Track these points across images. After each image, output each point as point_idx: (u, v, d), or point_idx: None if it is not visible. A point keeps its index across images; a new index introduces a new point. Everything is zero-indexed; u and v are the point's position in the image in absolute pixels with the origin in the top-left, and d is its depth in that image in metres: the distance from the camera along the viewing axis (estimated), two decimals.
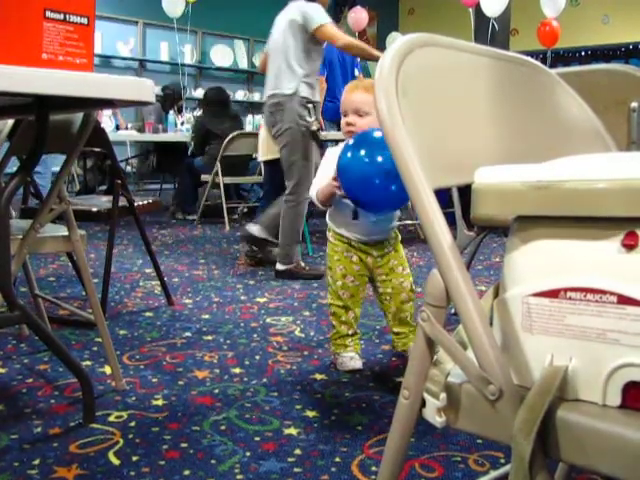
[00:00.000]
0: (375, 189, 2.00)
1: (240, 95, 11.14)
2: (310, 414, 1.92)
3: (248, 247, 4.29)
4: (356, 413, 1.93)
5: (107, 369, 2.22)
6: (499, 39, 8.21)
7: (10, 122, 2.28)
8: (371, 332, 2.68)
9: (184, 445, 1.71)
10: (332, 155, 2.22)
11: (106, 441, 1.73)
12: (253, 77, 12.01)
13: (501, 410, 0.70)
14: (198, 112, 7.94)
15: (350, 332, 2.31)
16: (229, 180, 6.16)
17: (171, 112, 7.46)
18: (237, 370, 2.28)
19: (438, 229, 0.73)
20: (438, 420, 0.76)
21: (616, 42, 11.67)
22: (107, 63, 10.03)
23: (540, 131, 1.04)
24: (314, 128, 3.78)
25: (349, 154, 2.07)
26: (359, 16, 10.36)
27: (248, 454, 1.67)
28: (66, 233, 2.05)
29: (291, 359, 2.41)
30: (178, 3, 8.87)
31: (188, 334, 2.70)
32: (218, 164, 5.99)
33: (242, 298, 3.35)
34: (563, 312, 0.69)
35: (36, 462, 1.61)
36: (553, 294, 0.70)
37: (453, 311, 0.74)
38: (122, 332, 2.72)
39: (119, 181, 2.98)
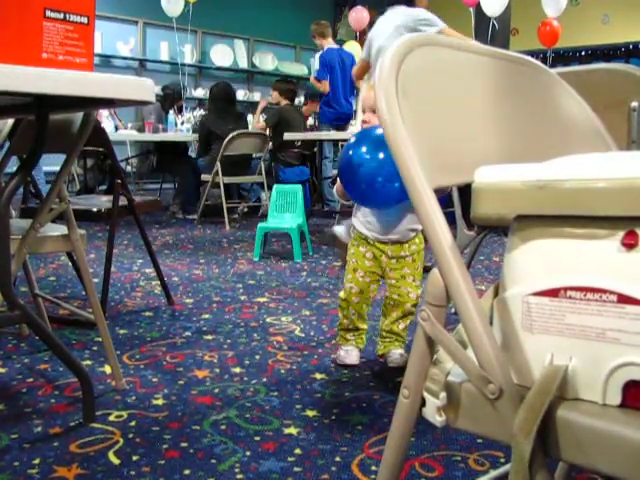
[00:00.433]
0: (360, 184, 2.10)
1: (240, 95, 11.14)
2: (310, 413, 1.92)
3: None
4: (356, 413, 1.93)
5: (107, 369, 2.23)
6: (499, 39, 8.21)
7: (10, 122, 2.28)
8: (371, 332, 2.67)
9: (184, 444, 1.71)
10: None
11: (106, 441, 1.73)
12: (253, 77, 12.03)
13: (501, 409, 0.70)
14: (199, 112, 7.94)
15: (351, 327, 2.35)
16: (229, 180, 6.16)
17: (171, 112, 7.45)
18: (237, 370, 2.28)
19: (438, 228, 0.73)
20: (438, 419, 0.76)
21: (616, 42, 11.68)
22: (107, 63, 10.04)
23: (540, 130, 1.04)
24: None
25: (345, 152, 2.15)
26: (360, 15, 10.36)
27: (248, 453, 1.67)
28: (66, 233, 2.05)
29: (291, 359, 2.41)
30: (177, 2, 8.87)
31: (188, 334, 2.70)
32: (218, 164, 5.98)
33: (242, 298, 3.35)
34: (563, 311, 0.69)
35: (36, 461, 1.61)
36: (553, 293, 0.70)
37: (453, 310, 0.74)
38: (122, 332, 2.72)
39: (119, 181, 2.98)
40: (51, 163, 2.55)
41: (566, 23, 9.49)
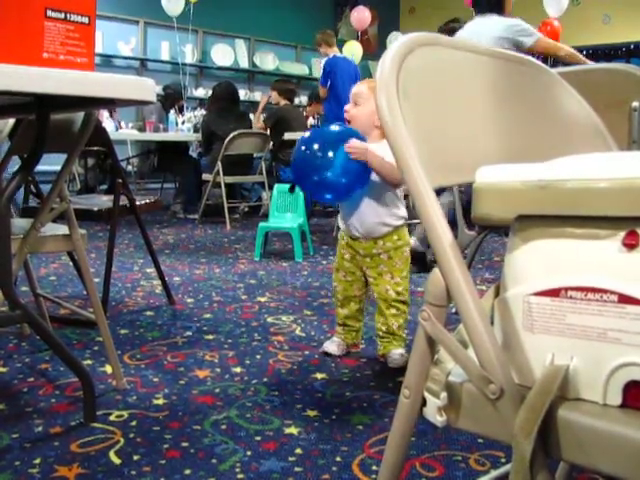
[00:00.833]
0: (311, 177, 2.26)
1: (241, 94, 11.11)
2: (311, 413, 1.92)
3: None
4: (357, 412, 1.94)
5: (108, 368, 2.23)
6: None
7: (11, 121, 2.28)
8: (372, 332, 2.67)
9: (185, 444, 1.71)
10: None
11: (107, 440, 1.73)
12: (254, 76, 12.02)
13: (502, 409, 0.70)
14: (199, 111, 7.93)
15: (340, 322, 2.46)
16: (230, 179, 6.15)
17: (172, 111, 7.45)
18: (238, 369, 2.28)
19: (439, 228, 0.73)
20: (439, 419, 0.76)
21: (617, 42, 11.66)
22: (108, 62, 10.03)
23: (541, 130, 1.04)
24: None
25: (298, 146, 2.32)
26: (362, 15, 10.36)
27: (249, 453, 1.67)
28: (67, 232, 2.05)
29: (292, 358, 2.41)
30: (178, 2, 8.87)
31: (189, 333, 2.70)
32: (219, 163, 5.98)
33: (243, 297, 3.35)
34: (564, 311, 0.69)
35: (37, 461, 1.61)
36: (554, 293, 0.70)
37: (454, 310, 0.74)
38: (123, 331, 2.72)
39: (120, 180, 2.98)
40: (52, 162, 2.54)
41: (567, 23, 9.48)
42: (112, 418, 1.87)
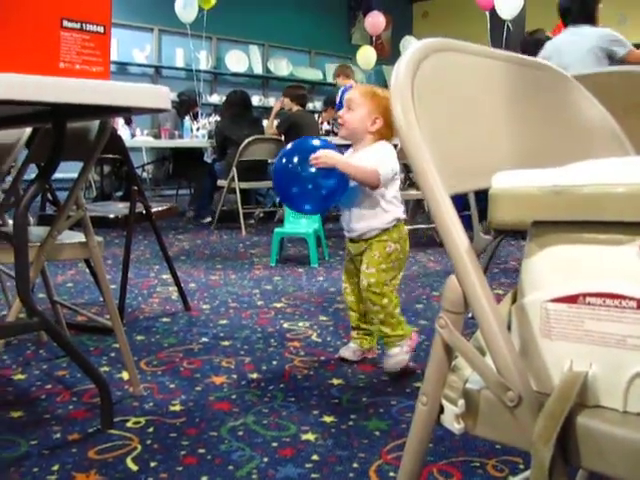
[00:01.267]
0: (290, 188, 2.36)
1: (255, 100, 11.17)
2: (327, 419, 1.92)
3: None
4: (374, 418, 1.93)
5: (125, 375, 2.23)
6: (514, 41, 8.18)
7: (28, 130, 2.30)
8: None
9: (202, 451, 1.72)
10: None
11: (124, 447, 1.74)
12: (268, 82, 12.05)
13: (520, 417, 0.70)
14: (214, 117, 7.96)
15: (353, 325, 2.48)
16: (245, 185, 6.17)
17: (187, 118, 7.49)
18: (254, 375, 2.28)
19: (455, 234, 0.73)
20: (456, 427, 0.76)
21: (633, 41, 11.58)
22: (123, 70, 10.10)
23: (557, 135, 1.04)
24: None
25: (280, 158, 2.42)
26: (376, 20, 10.37)
27: (266, 460, 1.67)
28: (83, 240, 2.06)
29: (308, 364, 2.41)
30: (191, 9, 8.92)
31: (205, 340, 2.71)
32: (234, 169, 6.00)
33: (259, 303, 3.35)
34: (582, 318, 0.69)
35: (55, 468, 1.62)
36: (572, 300, 0.69)
37: (471, 315, 0.74)
38: (139, 338, 2.73)
39: (136, 187, 2.99)
40: (68, 170, 2.56)
41: None
42: (129, 425, 1.88)
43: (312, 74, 12.49)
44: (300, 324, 2.96)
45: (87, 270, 3.28)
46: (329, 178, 2.27)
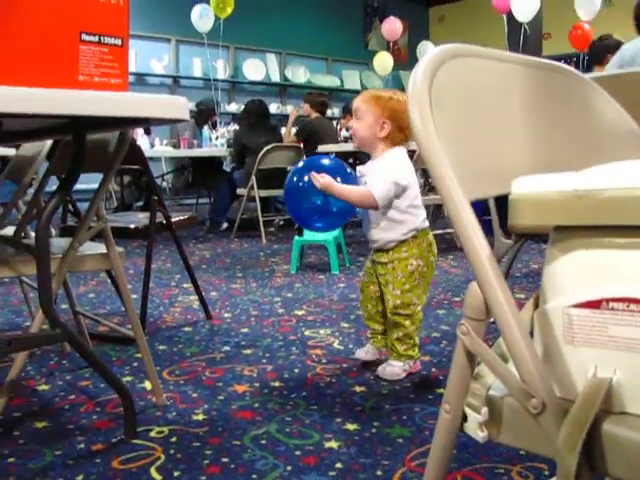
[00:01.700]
0: (301, 205, 2.46)
1: (273, 108, 11.21)
2: (351, 427, 1.91)
3: None
4: (397, 425, 1.92)
5: (147, 385, 2.24)
6: (531, 44, 8.16)
7: (49, 143, 2.32)
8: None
9: (225, 460, 1.72)
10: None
11: (148, 457, 1.74)
12: (286, 90, 12.09)
13: (544, 424, 0.69)
14: (233, 126, 8.00)
15: (365, 323, 2.53)
16: (265, 193, 6.18)
17: (205, 127, 7.53)
18: (276, 384, 2.28)
19: (476, 241, 0.72)
20: (480, 435, 0.75)
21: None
22: (142, 81, 10.19)
23: (577, 138, 1.03)
24: None
25: (291, 176, 2.49)
26: (393, 26, 10.39)
27: (289, 468, 1.66)
28: (105, 251, 2.07)
29: (330, 372, 2.40)
30: (208, 18, 8.98)
31: (227, 348, 2.71)
32: (253, 177, 6.02)
33: (280, 311, 3.36)
34: (606, 323, 0.68)
35: (79, 478, 1.62)
36: (595, 305, 0.68)
37: (492, 319, 0.73)
38: (161, 347, 2.74)
39: (156, 197, 3.01)
40: (88, 181, 2.58)
41: (599, 25, 9.38)
42: (152, 434, 1.88)
43: (329, 81, 12.52)
44: (322, 331, 2.96)
45: (109, 280, 3.30)
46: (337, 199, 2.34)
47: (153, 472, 1.65)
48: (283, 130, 7.21)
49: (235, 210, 6.61)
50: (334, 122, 8.38)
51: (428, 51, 0.85)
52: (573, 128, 1.04)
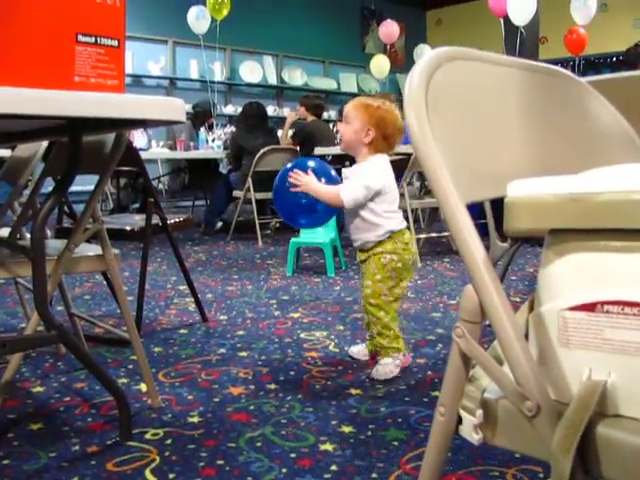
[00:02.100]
0: (289, 204, 2.79)
1: (270, 110, 11.20)
2: (346, 429, 1.91)
3: None
4: (392, 428, 1.92)
5: (143, 387, 2.24)
6: (528, 48, 8.17)
7: (44, 144, 2.32)
8: (405, 345, 2.66)
9: (220, 462, 1.72)
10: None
11: (143, 459, 1.74)
12: (282, 92, 12.09)
13: (539, 426, 0.69)
14: (229, 128, 7.99)
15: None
16: (261, 195, 6.18)
17: (202, 129, 7.53)
18: (272, 386, 2.28)
19: (471, 244, 0.72)
20: (475, 437, 0.75)
21: None
22: (138, 82, 10.17)
23: (573, 142, 1.03)
24: None
25: (280, 177, 2.78)
26: (390, 29, 10.40)
27: (284, 470, 1.66)
28: (100, 252, 2.07)
29: (326, 374, 2.40)
30: (204, 20, 8.98)
31: (223, 350, 2.71)
32: (249, 180, 6.02)
33: (276, 314, 3.35)
34: (601, 326, 0.68)
35: None
36: (590, 308, 0.68)
37: (488, 322, 0.73)
38: (157, 349, 2.73)
39: (152, 199, 3.00)
40: (84, 183, 2.58)
41: (595, 29, 9.42)
42: (148, 436, 1.88)
43: (326, 83, 12.52)
44: (317, 334, 2.95)
45: (104, 282, 3.29)
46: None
47: (148, 474, 1.65)
48: (280, 132, 7.20)
49: (231, 212, 6.60)
50: (331, 125, 8.38)
51: (425, 54, 0.86)
52: (569, 131, 1.04)
